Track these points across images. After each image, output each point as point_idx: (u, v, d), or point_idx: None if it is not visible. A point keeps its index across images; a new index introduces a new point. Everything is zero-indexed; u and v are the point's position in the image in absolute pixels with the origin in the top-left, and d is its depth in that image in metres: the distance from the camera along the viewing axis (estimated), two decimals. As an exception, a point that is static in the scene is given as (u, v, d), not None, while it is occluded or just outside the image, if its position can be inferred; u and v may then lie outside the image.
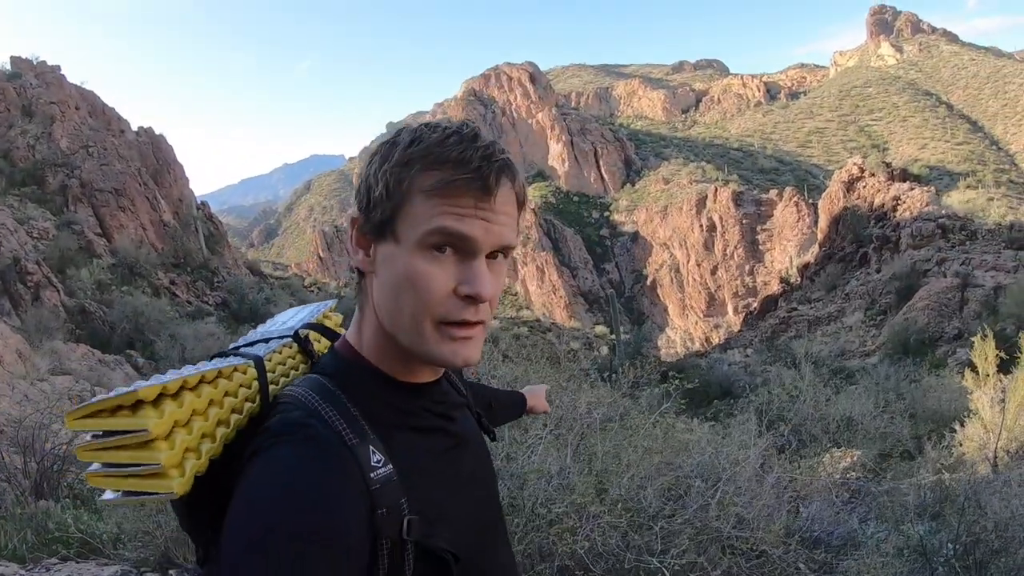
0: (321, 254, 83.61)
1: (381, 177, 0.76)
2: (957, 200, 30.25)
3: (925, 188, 27.38)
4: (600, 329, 57.48)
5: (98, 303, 23.49)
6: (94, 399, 0.71)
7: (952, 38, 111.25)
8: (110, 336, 21.64)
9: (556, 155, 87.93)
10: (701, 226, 75.16)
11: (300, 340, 0.96)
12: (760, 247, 72.68)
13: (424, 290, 0.75)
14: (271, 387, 0.85)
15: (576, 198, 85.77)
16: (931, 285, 20.39)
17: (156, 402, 0.71)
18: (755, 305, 35.63)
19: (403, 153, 0.76)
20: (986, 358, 8.31)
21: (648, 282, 78.75)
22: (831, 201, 30.07)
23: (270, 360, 0.89)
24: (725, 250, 74.04)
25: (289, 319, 1.06)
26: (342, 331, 1.04)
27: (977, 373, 8.33)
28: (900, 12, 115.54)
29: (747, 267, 73.06)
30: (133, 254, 27.25)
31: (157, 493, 0.70)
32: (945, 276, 21.15)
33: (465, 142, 0.75)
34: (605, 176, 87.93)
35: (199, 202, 39.43)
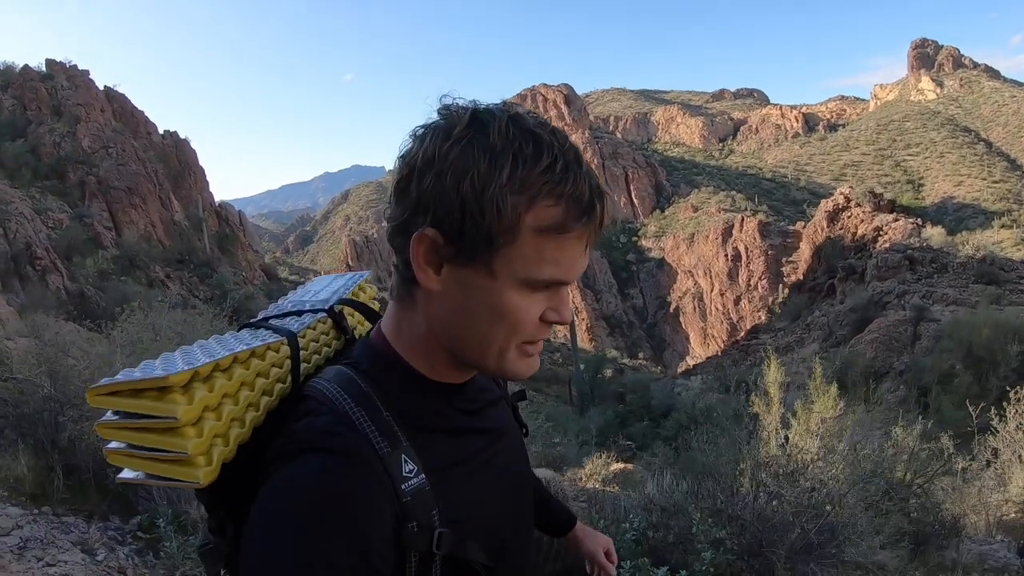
0: (350, 263, 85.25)
1: (489, 202, 0.66)
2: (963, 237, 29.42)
3: (910, 220, 26.75)
4: (612, 353, 57.40)
5: (96, 289, 25.15)
6: (119, 377, 0.69)
7: (994, 74, 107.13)
8: (101, 318, 23.19)
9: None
10: (726, 255, 74.34)
11: (334, 315, 0.94)
12: (785, 279, 71.26)
13: (515, 323, 0.72)
14: (303, 365, 0.83)
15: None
16: (884, 318, 19.97)
17: (186, 386, 0.68)
18: (742, 334, 35.31)
19: (520, 175, 0.66)
20: (775, 383, 8.53)
21: (671, 309, 78.12)
22: (815, 230, 29.70)
23: (303, 336, 0.87)
24: (749, 281, 72.90)
25: (322, 289, 1.03)
26: (376, 304, 1.05)
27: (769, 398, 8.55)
28: (942, 46, 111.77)
29: (771, 299, 71.58)
30: (136, 247, 29.10)
31: (181, 480, 0.68)
32: (904, 309, 20.75)
33: (572, 169, 0.68)
34: (635, 201, 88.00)
35: (217, 205, 41.48)
